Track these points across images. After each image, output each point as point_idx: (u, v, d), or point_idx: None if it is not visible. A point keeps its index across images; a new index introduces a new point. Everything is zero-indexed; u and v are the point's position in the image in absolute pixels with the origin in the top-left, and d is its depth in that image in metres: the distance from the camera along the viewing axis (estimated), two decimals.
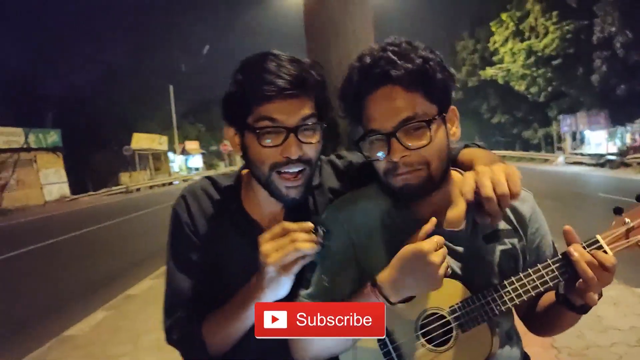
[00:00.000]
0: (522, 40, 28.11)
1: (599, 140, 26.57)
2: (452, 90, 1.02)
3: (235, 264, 1.12)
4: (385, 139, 0.96)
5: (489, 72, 30.94)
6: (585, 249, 0.91)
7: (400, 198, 1.04)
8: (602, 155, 23.16)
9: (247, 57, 1.07)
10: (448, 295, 0.99)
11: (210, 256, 1.15)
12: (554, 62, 25.86)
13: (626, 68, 21.62)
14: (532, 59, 27.16)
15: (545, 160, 28.02)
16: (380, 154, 0.99)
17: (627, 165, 20.32)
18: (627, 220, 0.92)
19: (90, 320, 4.62)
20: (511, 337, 1.11)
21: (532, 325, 1.15)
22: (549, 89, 27.78)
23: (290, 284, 0.95)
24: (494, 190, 0.88)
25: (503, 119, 36.48)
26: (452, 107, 1.04)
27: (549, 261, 0.95)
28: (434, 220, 0.95)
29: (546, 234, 1.12)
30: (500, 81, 30.57)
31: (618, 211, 0.93)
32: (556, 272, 0.93)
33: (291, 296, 1.02)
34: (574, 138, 29.42)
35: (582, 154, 25.90)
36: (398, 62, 0.95)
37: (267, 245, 0.90)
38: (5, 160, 22.08)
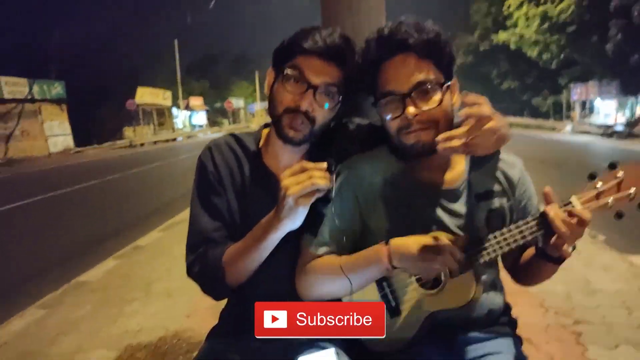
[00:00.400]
0: (537, 5, 27.35)
1: (609, 110, 26.29)
2: (454, 65, 1.17)
3: (254, 209, 1.25)
4: (401, 99, 1.09)
5: (502, 36, 30.31)
6: (560, 207, 1.03)
7: (410, 155, 1.15)
8: (610, 126, 23.00)
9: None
10: None
11: (232, 202, 1.29)
12: (569, 29, 25.26)
13: None
14: (546, 24, 26.52)
15: (553, 129, 27.85)
16: (393, 114, 1.12)
17: (634, 136, 20.21)
18: (599, 184, 1.03)
19: (101, 267, 4.80)
20: (495, 286, 1.25)
21: (516, 275, 1.28)
22: (562, 56, 27.26)
23: (304, 215, 1.07)
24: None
25: (513, 85, 36.00)
26: (454, 79, 1.16)
27: (528, 218, 1.07)
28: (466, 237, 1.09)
29: (532, 196, 1.25)
30: (513, 46, 29.97)
31: (592, 176, 1.05)
32: (534, 228, 1.06)
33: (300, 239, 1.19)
34: (583, 107, 29.11)
35: (590, 124, 25.70)
36: (414, 33, 1.09)
37: (288, 180, 1.03)
38: (10, 111, 22.09)
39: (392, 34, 1.11)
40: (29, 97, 22.84)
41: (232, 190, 1.30)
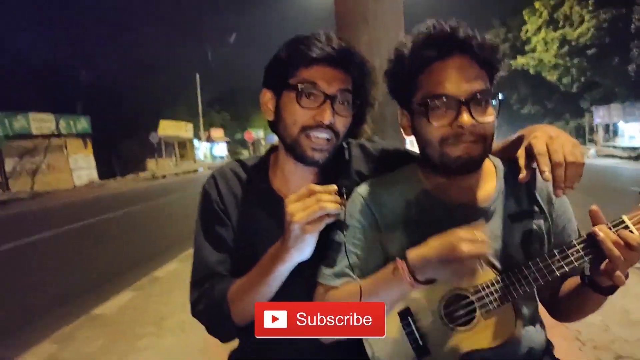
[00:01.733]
0: (555, 29, 27.35)
1: (633, 132, 25.71)
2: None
3: (262, 239, 1.15)
4: (457, 105, 0.96)
5: (520, 61, 30.24)
6: (610, 229, 0.91)
7: (450, 169, 1.03)
8: (635, 148, 22.41)
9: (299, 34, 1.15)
10: None
11: (238, 232, 1.20)
12: (589, 52, 25.09)
13: None
14: (566, 48, 26.42)
15: None
16: (443, 121, 0.99)
17: None
18: None
19: (117, 300, 4.75)
20: (535, 322, 1.11)
21: (555, 310, 1.15)
22: (582, 79, 27.00)
23: (314, 243, 0.98)
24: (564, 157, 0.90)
25: (533, 110, 35.67)
26: None
27: (574, 241, 0.94)
28: (482, 223, 0.96)
29: (572, 218, 1.12)
30: (532, 71, 29.86)
31: None
32: (581, 252, 0.93)
33: (314, 272, 1.09)
34: (606, 130, 28.55)
35: (614, 147, 25.11)
36: (479, 37, 0.98)
37: (294, 205, 0.93)
38: (37, 146, 22.78)
39: (454, 31, 0.98)
40: (56, 132, 23.54)
41: (239, 219, 1.20)
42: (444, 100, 0.97)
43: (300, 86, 1.07)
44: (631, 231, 0.90)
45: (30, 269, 6.84)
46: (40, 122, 22.78)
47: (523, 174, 0.95)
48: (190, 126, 37.74)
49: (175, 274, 5.62)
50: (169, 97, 37.37)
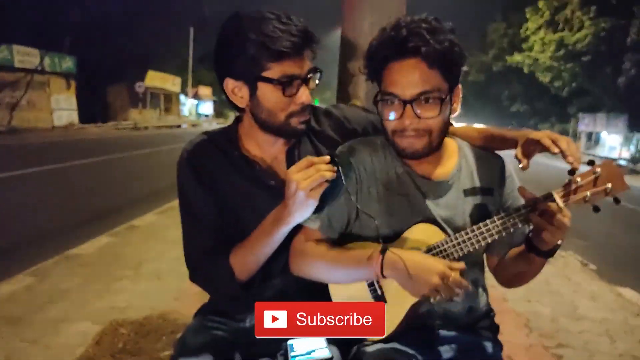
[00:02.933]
0: (554, 31, 27.44)
1: (614, 144, 26.34)
2: (463, 70, 1.17)
3: (243, 202, 1.27)
4: (402, 104, 1.11)
5: (516, 58, 30.38)
6: (541, 201, 1.07)
7: (402, 155, 1.20)
8: (614, 160, 23.05)
9: (247, 16, 1.16)
10: (427, 237, 1.16)
11: (219, 199, 1.28)
12: (583, 58, 25.33)
13: None
14: (562, 51, 26.59)
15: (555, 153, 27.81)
16: (392, 116, 1.14)
17: (637, 172, 20.28)
18: (577, 179, 1.07)
19: (94, 243, 4.81)
20: (477, 285, 1.28)
21: (502, 274, 1.31)
22: (573, 84, 27.31)
23: (314, 206, 1.12)
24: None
25: (522, 109, 36.09)
26: (459, 85, 1.19)
27: (510, 210, 1.12)
28: (462, 265, 1.07)
29: (518, 197, 1.25)
30: (526, 70, 30.06)
31: (571, 172, 1.08)
32: (516, 220, 1.10)
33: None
34: (589, 138, 29.14)
35: (594, 155, 25.61)
36: (430, 40, 1.07)
37: (297, 175, 1.07)
38: (19, 80, 22.05)
39: (408, 36, 1.08)
40: (39, 68, 22.80)
41: (218, 187, 1.28)
42: (393, 99, 1.12)
43: (282, 79, 1.14)
44: (557, 203, 1.05)
45: (7, 204, 6.78)
46: (24, 56, 22.00)
47: (525, 163, 1.07)
48: (178, 80, 36.97)
49: (153, 225, 5.70)
50: (160, 47, 36.25)
